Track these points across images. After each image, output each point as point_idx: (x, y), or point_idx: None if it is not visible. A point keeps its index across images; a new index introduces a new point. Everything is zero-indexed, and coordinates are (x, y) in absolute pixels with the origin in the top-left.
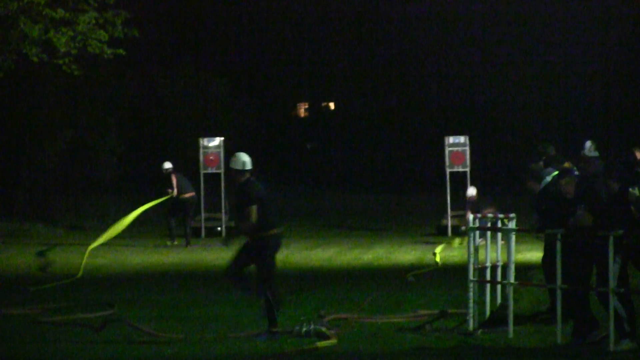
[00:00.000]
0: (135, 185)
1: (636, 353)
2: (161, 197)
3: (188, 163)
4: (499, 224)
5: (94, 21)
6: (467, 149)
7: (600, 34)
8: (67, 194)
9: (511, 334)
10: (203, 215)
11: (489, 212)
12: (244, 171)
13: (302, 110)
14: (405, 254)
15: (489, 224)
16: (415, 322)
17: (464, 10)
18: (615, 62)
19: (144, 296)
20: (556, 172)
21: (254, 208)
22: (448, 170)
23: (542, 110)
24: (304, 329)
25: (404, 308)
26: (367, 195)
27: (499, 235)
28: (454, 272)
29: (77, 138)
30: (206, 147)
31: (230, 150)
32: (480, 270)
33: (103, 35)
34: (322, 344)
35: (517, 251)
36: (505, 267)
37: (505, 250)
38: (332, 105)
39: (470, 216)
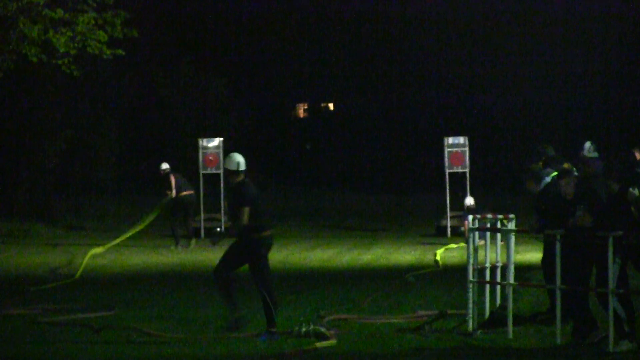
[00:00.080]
0: (134, 185)
1: (635, 354)
2: (161, 200)
3: (187, 163)
4: (499, 225)
5: (93, 22)
6: (467, 149)
7: (600, 35)
8: (67, 194)
9: (510, 335)
10: (202, 215)
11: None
12: (238, 172)
13: (301, 110)
14: (405, 255)
15: (488, 225)
16: (414, 323)
17: (464, 11)
18: (615, 62)
19: (144, 296)
20: (555, 173)
21: (247, 209)
22: (447, 171)
23: (541, 111)
24: (304, 330)
25: (403, 309)
26: (366, 196)
27: (499, 235)
28: (454, 273)
29: (76, 138)
30: (205, 148)
31: (229, 150)
32: (480, 271)
33: (102, 35)
34: (321, 344)
35: (517, 252)
36: (504, 268)
37: (505, 250)
38: (331, 106)
39: (470, 218)
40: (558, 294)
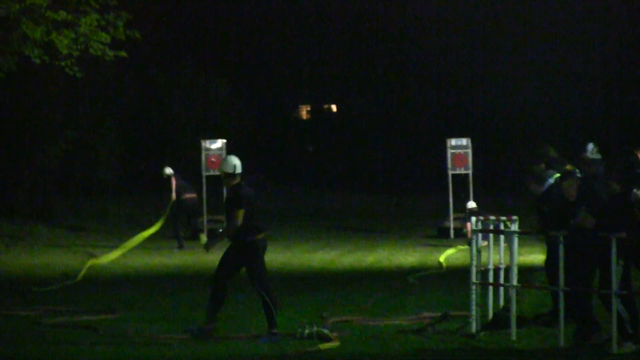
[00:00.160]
0: (136, 186)
1: (639, 355)
2: (165, 210)
3: (189, 164)
4: (502, 227)
5: (95, 23)
6: (469, 151)
7: (601, 35)
8: (68, 195)
9: (514, 336)
10: (205, 217)
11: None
12: (234, 174)
13: (304, 112)
14: (408, 256)
15: (491, 227)
16: (417, 324)
17: (466, 13)
18: (616, 63)
19: (146, 298)
20: (558, 175)
21: (242, 212)
22: (450, 173)
23: (543, 112)
24: (306, 331)
25: (406, 310)
26: (368, 197)
27: (502, 237)
28: (457, 274)
29: (77, 139)
30: (208, 149)
31: (232, 152)
32: (483, 273)
33: (105, 37)
34: (324, 346)
35: (520, 253)
36: (507, 270)
37: (508, 252)
38: (334, 108)
39: (473, 219)
40: (561, 295)
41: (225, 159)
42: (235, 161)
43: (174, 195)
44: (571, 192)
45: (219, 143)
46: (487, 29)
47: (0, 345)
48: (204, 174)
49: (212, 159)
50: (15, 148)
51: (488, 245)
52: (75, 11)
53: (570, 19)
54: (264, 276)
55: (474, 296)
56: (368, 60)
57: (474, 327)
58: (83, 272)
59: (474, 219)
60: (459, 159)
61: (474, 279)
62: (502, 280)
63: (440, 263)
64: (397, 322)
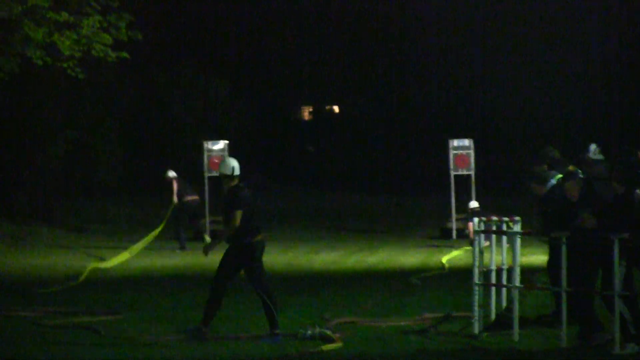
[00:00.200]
0: (137, 187)
1: None
2: (167, 212)
3: (190, 166)
4: (504, 227)
5: (97, 24)
6: (472, 152)
7: (603, 36)
8: (69, 196)
9: (516, 337)
10: (208, 218)
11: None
12: (233, 176)
13: (306, 113)
14: (410, 257)
15: (494, 227)
16: (419, 325)
17: (467, 14)
18: (618, 64)
19: (147, 299)
20: (560, 175)
21: (239, 213)
22: (452, 174)
23: (545, 113)
24: (309, 333)
25: (408, 311)
26: (370, 198)
27: (504, 238)
28: (459, 275)
29: (79, 140)
30: (210, 150)
31: (234, 153)
32: (485, 274)
33: (107, 38)
34: (327, 347)
35: (522, 254)
36: (510, 270)
37: (510, 253)
38: (336, 109)
39: (475, 220)
40: (564, 296)
41: (223, 161)
42: (234, 163)
43: (175, 198)
44: (573, 193)
45: (221, 144)
46: (488, 30)
47: (2, 346)
48: (206, 175)
49: (215, 160)
50: (16, 149)
51: (490, 246)
52: (77, 12)
53: (571, 19)
54: (263, 277)
55: (476, 297)
56: (370, 61)
57: (476, 328)
58: (85, 274)
59: (476, 219)
60: (461, 160)
61: (476, 279)
62: (504, 281)
63: (442, 264)
64: (399, 323)
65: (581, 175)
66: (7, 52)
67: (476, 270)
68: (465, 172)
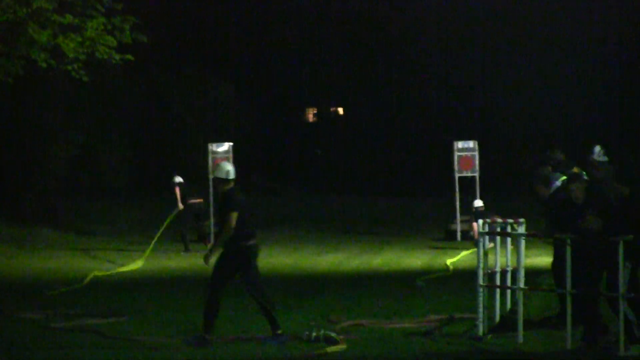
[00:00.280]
0: (142, 189)
1: None
2: (169, 215)
3: (194, 168)
4: (509, 229)
5: (102, 27)
6: (476, 153)
7: (609, 37)
8: (74, 199)
9: (521, 339)
10: (212, 220)
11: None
12: (227, 180)
13: (310, 115)
14: (415, 259)
15: (498, 229)
16: (424, 327)
17: (471, 18)
18: (622, 65)
19: (154, 301)
20: (565, 177)
21: (235, 214)
22: (457, 175)
23: (550, 114)
24: (314, 335)
25: (413, 313)
26: (375, 200)
27: (509, 240)
28: (464, 277)
29: (85, 143)
30: (215, 153)
31: (238, 155)
32: (490, 275)
33: (111, 40)
34: (331, 349)
35: (527, 256)
36: (514, 272)
37: (515, 254)
38: (340, 111)
39: (480, 221)
40: (568, 298)
41: (218, 165)
42: (229, 167)
43: (180, 205)
44: (578, 195)
45: (226, 146)
46: (490, 32)
47: (8, 348)
48: (211, 177)
49: (218, 162)
50: (21, 151)
51: (495, 248)
52: (81, 15)
53: (571, 20)
54: (257, 280)
55: (481, 299)
56: (374, 63)
57: (481, 330)
58: (89, 277)
59: (480, 221)
60: (465, 162)
61: (481, 281)
62: (509, 283)
63: (446, 266)
64: (404, 324)
65: (585, 177)
66: (11, 54)
67: (480, 272)
68: (469, 174)
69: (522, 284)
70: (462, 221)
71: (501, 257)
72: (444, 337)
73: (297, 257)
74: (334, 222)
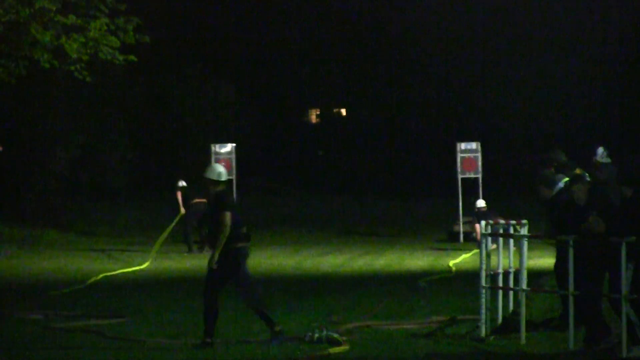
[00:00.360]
0: (145, 190)
1: None
2: (171, 222)
3: (197, 169)
4: (511, 230)
5: (105, 27)
6: (479, 155)
7: (613, 39)
8: (78, 200)
9: (523, 340)
10: None
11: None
12: (219, 182)
13: (313, 116)
14: (417, 260)
15: (501, 230)
16: (427, 328)
17: (473, 20)
18: (625, 66)
19: (155, 302)
20: (567, 179)
21: (229, 214)
22: (460, 177)
23: (552, 115)
24: (316, 336)
25: (416, 314)
26: (377, 201)
27: (511, 241)
28: (466, 279)
29: (86, 144)
30: (218, 153)
31: (241, 156)
32: (492, 277)
33: (114, 41)
34: (334, 350)
35: (529, 257)
36: (517, 274)
37: (517, 256)
38: (343, 111)
39: (483, 223)
40: (571, 299)
41: (210, 166)
42: (220, 169)
43: (182, 210)
44: (581, 196)
45: (229, 147)
46: (491, 33)
47: (8, 348)
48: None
49: (222, 163)
50: (25, 153)
51: (497, 249)
52: (84, 15)
53: (572, 20)
54: (247, 282)
55: (483, 300)
56: (377, 64)
57: (483, 331)
58: (92, 279)
59: (483, 222)
60: (468, 163)
61: (483, 282)
62: (511, 284)
63: (449, 267)
64: (406, 326)
65: (588, 179)
66: (14, 55)
67: (483, 273)
68: (472, 176)
69: (524, 286)
70: (464, 222)
71: (504, 259)
72: (446, 338)
73: (298, 258)
74: (336, 223)
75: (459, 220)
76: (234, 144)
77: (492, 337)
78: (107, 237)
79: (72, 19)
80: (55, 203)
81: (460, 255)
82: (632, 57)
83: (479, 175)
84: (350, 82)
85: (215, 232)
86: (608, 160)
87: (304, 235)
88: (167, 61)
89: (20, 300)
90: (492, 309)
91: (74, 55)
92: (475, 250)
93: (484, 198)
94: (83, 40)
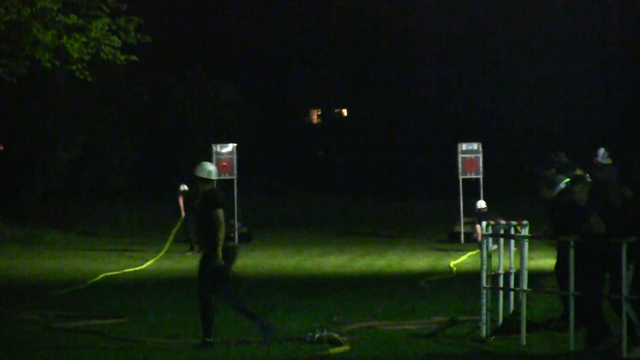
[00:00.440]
0: (146, 190)
1: None
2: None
3: None
4: (512, 231)
5: (106, 27)
6: (480, 156)
7: (615, 40)
8: (80, 200)
9: (524, 341)
10: None
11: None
12: (209, 180)
13: (314, 116)
14: (418, 261)
15: (502, 231)
16: (428, 329)
17: (474, 21)
18: (627, 67)
19: (156, 302)
20: (568, 179)
21: (221, 211)
22: (461, 177)
23: (554, 116)
24: (317, 336)
25: (417, 315)
26: (378, 202)
27: (512, 242)
28: (467, 279)
29: (89, 144)
30: (219, 153)
31: (243, 156)
32: (493, 277)
33: (116, 41)
34: (334, 350)
35: (530, 258)
36: (518, 274)
37: (518, 257)
38: (345, 112)
39: (484, 223)
40: (571, 300)
41: (200, 165)
42: (210, 167)
43: (182, 213)
44: (582, 197)
45: (230, 147)
46: (495, 35)
47: (8, 348)
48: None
49: (223, 163)
50: (27, 153)
51: (498, 250)
52: (86, 15)
53: (572, 21)
54: (227, 285)
55: (484, 301)
56: (379, 65)
57: (484, 332)
58: (94, 279)
59: (484, 223)
60: (469, 164)
61: (484, 283)
62: (512, 285)
63: (450, 267)
64: (407, 326)
65: (589, 179)
66: (16, 55)
67: (484, 274)
68: (473, 176)
69: (525, 286)
70: (465, 223)
71: (505, 259)
72: (447, 338)
73: (299, 258)
74: (337, 223)
75: (459, 220)
76: (235, 144)
77: (492, 338)
78: (109, 238)
79: (73, 18)
80: (56, 203)
81: (462, 255)
82: (632, 57)
83: (480, 176)
84: (351, 83)
85: (204, 230)
86: (609, 161)
87: (304, 235)
88: (168, 61)
89: (21, 300)
90: (493, 309)
91: (76, 55)
92: (477, 251)
93: (484, 199)
94: (84, 40)
